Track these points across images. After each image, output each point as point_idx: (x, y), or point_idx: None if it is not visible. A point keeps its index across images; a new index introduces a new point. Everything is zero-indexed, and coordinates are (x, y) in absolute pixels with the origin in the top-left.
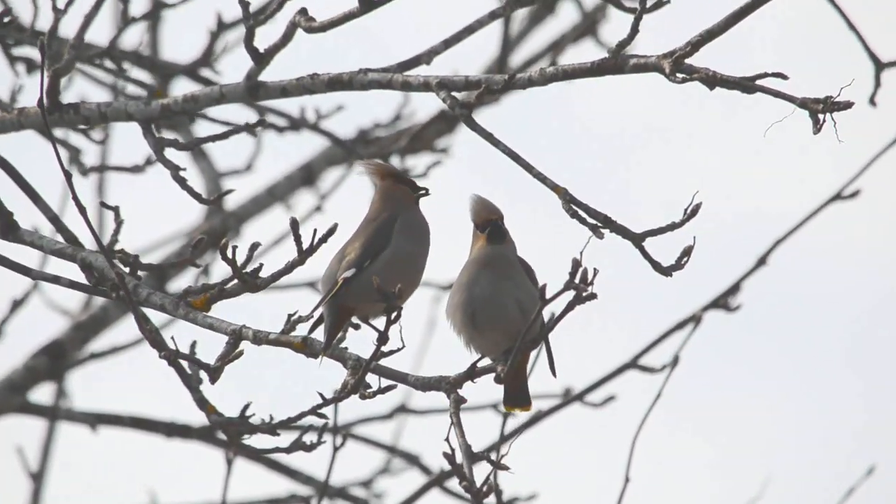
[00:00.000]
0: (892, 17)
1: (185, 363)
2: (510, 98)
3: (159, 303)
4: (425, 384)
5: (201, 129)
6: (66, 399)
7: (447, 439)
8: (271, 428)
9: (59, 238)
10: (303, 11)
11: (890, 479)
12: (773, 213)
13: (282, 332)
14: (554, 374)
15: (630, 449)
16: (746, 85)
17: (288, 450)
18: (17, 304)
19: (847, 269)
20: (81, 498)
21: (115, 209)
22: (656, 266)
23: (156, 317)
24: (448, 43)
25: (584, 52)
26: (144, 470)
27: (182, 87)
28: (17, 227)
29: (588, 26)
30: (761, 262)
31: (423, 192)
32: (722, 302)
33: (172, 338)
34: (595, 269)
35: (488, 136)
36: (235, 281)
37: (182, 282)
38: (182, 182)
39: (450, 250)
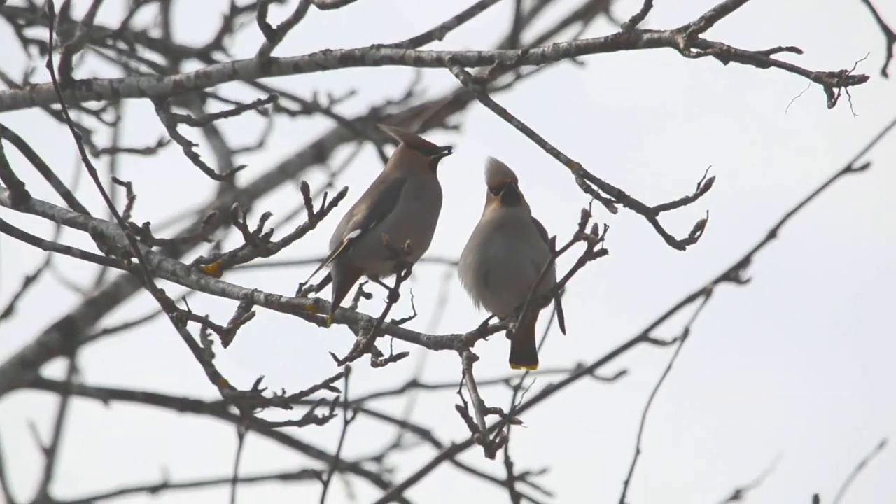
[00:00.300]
0: None
1: (197, 336)
2: (523, 80)
3: (171, 269)
4: (437, 343)
5: (213, 108)
6: (78, 374)
7: (459, 392)
8: (283, 401)
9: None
10: None
11: None
12: (784, 185)
13: (294, 297)
14: (563, 330)
15: (641, 422)
16: (761, 59)
17: (300, 423)
18: (29, 280)
19: (857, 242)
20: (94, 473)
21: (128, 185)
22: (669, 240)
23: (169, 291)
24: (461, 18)
25: (597, 30)
26: (157, 445)
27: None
28: (29, 196)
29: (600, 3)
30: (772, 235)
31: (444, 152)
32: (732, 275)
33: (184, 298)
34: (606, 225)
35: (502, 112)
36: (247, 247)
37: (194, 257)
38: (195, 158)
39: (462, 226)
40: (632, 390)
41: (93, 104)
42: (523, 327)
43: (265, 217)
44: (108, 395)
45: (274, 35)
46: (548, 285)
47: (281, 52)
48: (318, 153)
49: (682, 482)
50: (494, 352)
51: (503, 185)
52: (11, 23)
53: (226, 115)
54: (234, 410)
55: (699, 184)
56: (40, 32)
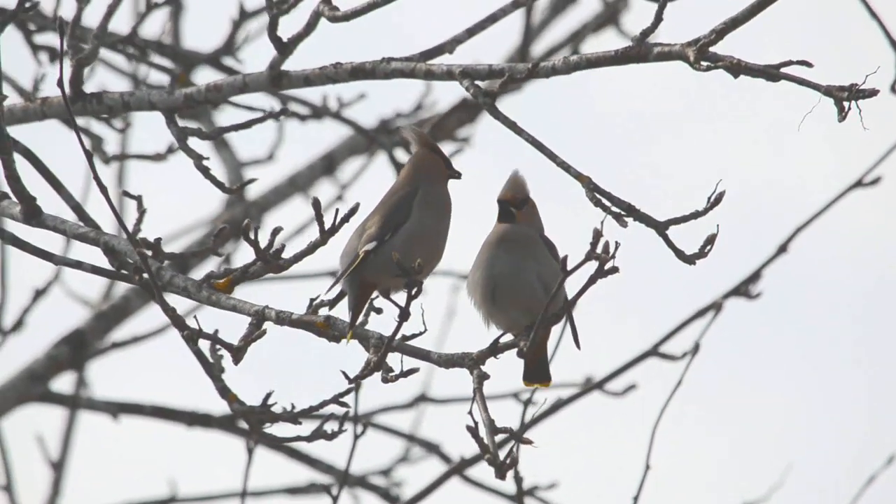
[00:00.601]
0: None
1: (207, 351)
2: (532, 87)
3: (182, 285)
4: (448, 361)
5: (224, 115)
6: (87, 388)
7: (470, 412)
8: (293, 416)
9: (83, 224)
10: (326, 0)
11: None
12: (794, 199)
13: (305, 314)
14: (578, 346)
15: (650, 437)
16: (771, 73)
17: (309, 438)
18: (39, 294)
19: (868, 257)
20: (102, 487)
21: (138, 198)
22: (679, 254)
23: (179, 305)
24: (471, 31)
25: (606, 42)
26: (165, 459)
27: (204, 76)
28: (40, 211)
29: (610, 15)
30: (782, 249)
31: (456, 174)
32: (743, 289)
33: (195, 317)
34: (617, 243)
35: (512, 125)
36: (258, 263)
37: (204, 271)
38: (205, 171)
39: (471, 238)
40: (641, 405)
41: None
42: (534, 346)
43: (276, 232)
44: (116, 408)
45: (285, 48)
46: (558, 304)
47: (292, 65)
48: (329, 165)
49: (691, 497)
50: (505, 366)
51: (502, 202)
52: (21, 29)
53: (236, 128)
54: (244, 425)
55: (709, 198)
56: (50, 39)
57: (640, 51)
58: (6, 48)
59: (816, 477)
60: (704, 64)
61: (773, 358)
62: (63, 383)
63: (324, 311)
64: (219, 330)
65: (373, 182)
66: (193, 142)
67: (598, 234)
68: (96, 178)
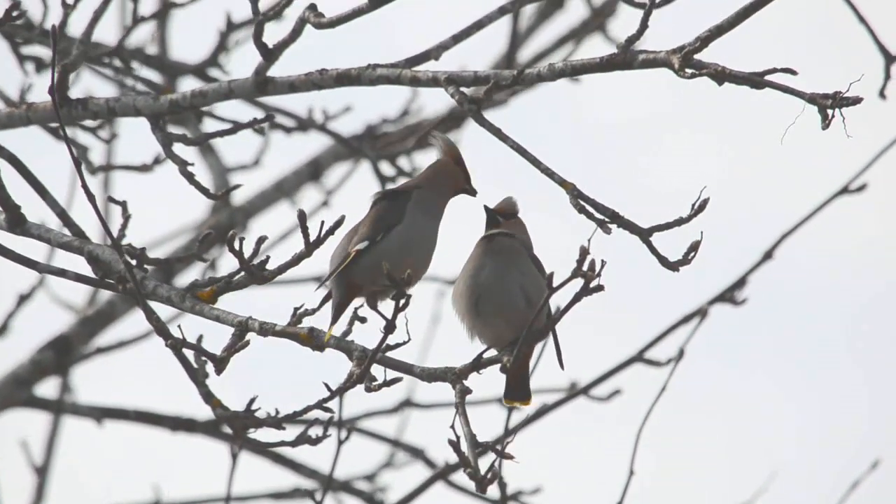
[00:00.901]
0: None
1: (191, 356)
2: (518, 98)
3: (166, 295)
4: (431, 375)
5: (209, 127)
6: (71, 393)
7: (452, 426)
8: (277, 422)
9: (67, 232)
10: (312, 7)
11: (894, 473)
12: (780, 206)
13: (288, 324)
14: (562, 366)
15: (635, 442)
16: (755, 81)
17: (293, 443)
18: (23, 299)
19: (853, 264)
20: (86, 492)
21: (123, 204)
22: (663, 261)
23: (163, 313)
24: (457, 38)
25: (593, 48)
26: (149, 464)
27: (190, 86)
28: (25, 219)
29: (597, 22)
30: (767, 255)
31: (472, 191)
32: (728, 296)
33: (179, 327)
34: (603, 261)
35: (496, 132)
36: (242, 273)
37: (189, 277)
38: (190, 177)
39: (456, 246)
40: (626, 411)
41: (89, 122)
42: (518, 362)
43: (261, 241)
44: (101, 413)
45: (270, 54)
46: (542, 320)
47: (277, 71)
48: (314, 171)
49: (675, 502)
50: (489, 374)
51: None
52: (8, 40)
53: (221, 134)
54: (228, 430)
55: (693, 205)
56: (36, 49)
57: (626, 58)
58: None
59: (801, 482)
60: (689, 71)
61: (757, 364)
62: (47, 388)
63: (308, 320)
64: (203, 336)
65: (358, 187)
66: (179, 148)
67: (584, 252)
68: (84, 184)
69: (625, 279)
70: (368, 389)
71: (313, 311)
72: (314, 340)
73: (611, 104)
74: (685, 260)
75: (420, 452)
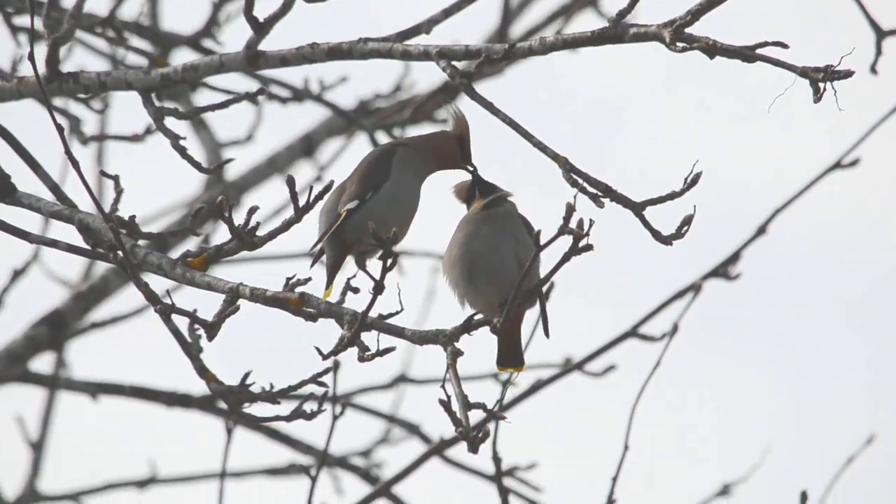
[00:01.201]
0: None
1: (182, 327)
2: (510, 72)
3: (157, 263)
4: (422, 338)
5: (202, 98)
6: (66, 368)
7: (443, 386)
8: (271, 396)
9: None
10: None
11: (890, 449)
12: (773, 181)
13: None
14: (547, 334)
15: (629, 417)
16: (747, 54)
17: (288, 418)
18: (17, 274)
19: (847, 238)
20: (81, 467)
21: (115, 178)
22: (656, 235)
23: (156, 286)
24: (448, 12)
25: (585, 23)
26: (145, 439)
27: (182, 58)
28: (15, 189)
29: None
30: (761, 230)
31: (464, 166)
32: (722, 271)
33: (168, 291)
34: (591, 220)
35: (488, 106)
36: (233, 240)
37: (182, 251)
38: (182, 151)
39: (449, 220)
40: (620, 386)
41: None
42: (508, 324)
43: (252, 211)
44: (95, 389)
45: (261, 28)
46: (532, 280)
47: (268, 45)
48: (308, 146)
49: (670, 478)
50: (482, 348)
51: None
52: (0, 11)
53: (214, 108)
54: (222, 405)
55: (686, 179)
56: (29, 21)
57: (617, 32)
58: None
59: (797, 457)
60: (680, 45)
61: (751, 339)
62: (42, 363)
63: (300, 291)
64: (196, 310)
65: (352, 162)
66: (171, 122)
67: (570, 209)
68: (69, 155)
69: (618, 254)
70: (361, 359)
71: (305, 282)
72: (305, 305)
73: (602, 79)
74: (678, 234)
75: (416, 428)
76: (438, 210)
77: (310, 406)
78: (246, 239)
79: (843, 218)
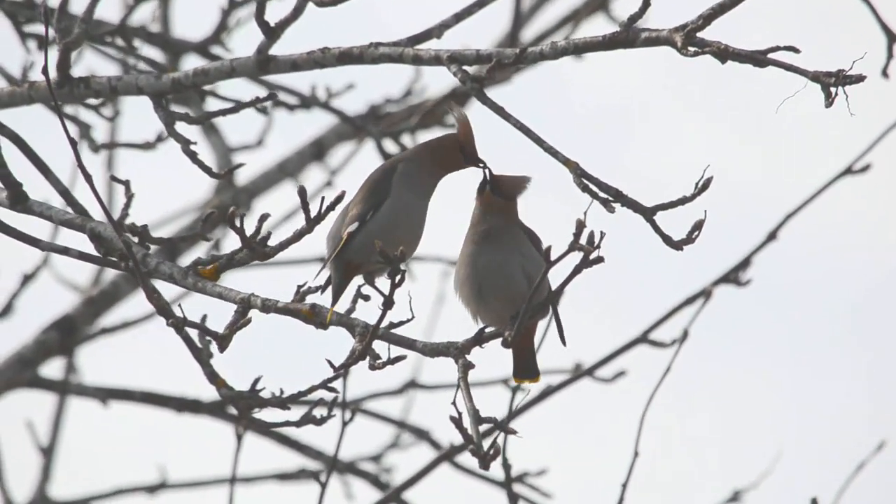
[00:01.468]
0: None
1: (194, 337)
2: (521, 77)
3: (168, 272)
4: (433, 350)
5: (212, 106)
6: (76, 374)
7: (454, 402)
8: (281, 402)
9: (70, 210)
10: None
11: None
12: (784, 186)
13: (291, 302)
14: (564, 342)
15: (639, 423)
16: (758, 59)
17: (298, 423)
18: (27, 279)
19: (858, 244)
20: (91, 472)
21: (126, 183)
22: (667, 240)
23: (167, 295)
24: (459, 17)
25: (596, 28)
26: (155, 444)
27: (192, 64)
28: (27, 197)
29: (599, 1)
30: (772, 236)
31: (481, 165)
32: (732, 276)
33: (180, 305)
34: (602, 233)
35: (499, 110)
36: (244, 250)
37: (192, 256)
38: (193, 156)
39: (457, 226)
40: (630, 392)
41: (92, 100)
42: (519, 337)
43: (263, 219)
44: (106, 394)
45: (272, 33)
46: (542, 294)
47: (279, 49)
48: (318, 151)
49: (680, 484)
50: (494, 355)
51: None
52: (10, 18)
53: (224, 112)
54: (232, 410)
55: (697, 184)
56: (39, 27)
57: (628, 36)
58: None
59: (806, 464)
60: (692, 49)
61: (762, 345)
62: (52, 369)
63: (311, 298)
64: (207, 316)
65: (362, 167)
66: (181, 127)
67: (581, 225)
68: (81, 166)
69: (629, 260)
70: (372, 367)
71: (317, 290)
72: (317, 317)
73: (613, 84)
74: (689, 239)
75: (425, 434)
76: (448, 214)
77: (320, 411)
78: (257, 249)
79: (855, 224)
